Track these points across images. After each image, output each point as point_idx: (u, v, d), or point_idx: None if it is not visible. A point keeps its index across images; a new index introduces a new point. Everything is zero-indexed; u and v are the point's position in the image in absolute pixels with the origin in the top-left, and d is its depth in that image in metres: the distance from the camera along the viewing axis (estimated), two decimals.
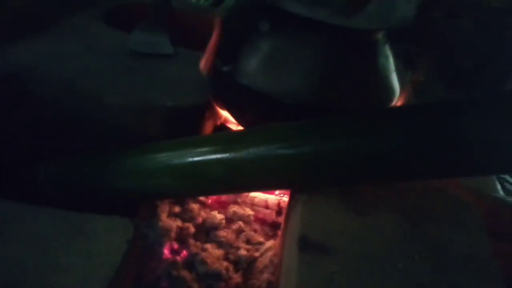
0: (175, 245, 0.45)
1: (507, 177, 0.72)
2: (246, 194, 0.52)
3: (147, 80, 0.50)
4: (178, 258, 0.44)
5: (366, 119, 0.37)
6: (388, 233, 0.35)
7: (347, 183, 0.39)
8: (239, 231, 0.49)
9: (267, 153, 0.38)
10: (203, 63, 0.46)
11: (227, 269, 0.44)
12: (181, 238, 0.46)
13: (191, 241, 0.46)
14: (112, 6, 0.69)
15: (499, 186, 0.56)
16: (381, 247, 0.33)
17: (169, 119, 0.47)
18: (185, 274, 0.42)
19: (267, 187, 0.44)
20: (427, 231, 0.36)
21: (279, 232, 0.50)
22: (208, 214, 0.49)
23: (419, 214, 0.38)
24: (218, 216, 0.49)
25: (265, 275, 0.45)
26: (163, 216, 0.45)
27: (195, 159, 0.39)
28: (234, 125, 0.53)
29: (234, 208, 0.50)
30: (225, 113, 0.51)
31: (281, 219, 0.51)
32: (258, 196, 0.52)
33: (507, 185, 0.71)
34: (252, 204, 0.52)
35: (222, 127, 0.53)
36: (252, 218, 0.50)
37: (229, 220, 0.50)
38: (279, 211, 0.52)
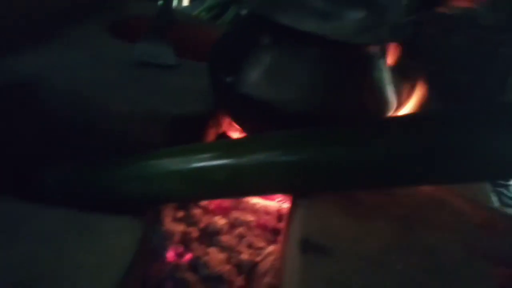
0: (179, 249, 0.46)
1: (504, 190, 0.74)
2: (247, 200, 0.53)
3: (151, 89, 0.52)
4: (182, 261, 0.45)
5: (364, 127, 0.39)
6: (386, 237, 0.37)
7: (346, 189, 0.41)
8: (241, 236, 0.50)
9: (269, 159, 0.39)
10: None
11: (230, 272, 0.45)
12: (185, 242, 0.47)
13: (195, 245, 0.47)
14: (116, 19, 0.71)
15: (495, 198, 0.57)
16: (380, 249, 0.35)
17: (174, 127, 0.48)
18: (189, 276, 0.43)
19: (268, 192, 0.45)
20: (423, 236, 0.37)
21: (280, 238, 0.51)
22: (210, 219, 0.50)
23: (416, 220, 0.39)
24: (221, 221, 0.50)
25: (267, 279, 0.46)
26: (167, 221, 0.46)
27: (200, 164, 0.40)
28: (235, 134, 0.55)
29: (236, 214, 0.52)
30: (227, 121, 0.53)
31: (281, 225, 0.52)
32: (259, 202, 0.54)
33: (504, 198, 0.73)
34: (254, 210, 0.53)
35: (224, 135, 0.55)
36: (253, 223, 0.52)
37: (231, 226, 0.51)
38: (279, 217, 0.53)
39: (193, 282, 0.43)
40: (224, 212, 0.52)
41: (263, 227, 0.53)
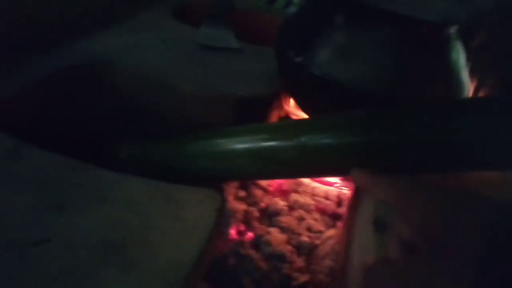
0: (241, 227, 0.47)
1: None
2: (307, 184, 0.53)
3: (216, 71, 0.53)
4: (245, 239, 0.46)
5: (435, 109, 0.38)
6: None
7: (416, 171, 0.40)
8: (300, 219, 0.50)
9: (336, 140, 0.39)
10: None
11: (291, 253, 0.45)
12: (247, 220, 0.48)
13: (255, 224, 0.48)
14: (179, 3, 0.73)
15: None
16: None
17: (238, 108, 0.49)
18: (252, 253, 0.44)
19: (335, 173, 0.45)
20: None
21: (339, 223, 0.51)
22: (271, 200, 0.51)
23: None
24: (281, 203, 0.51)
25: (327, 262, 0.46)
26: (230, 199, 0.47)
27: (268, 143, 0.40)
28: (297, 116, 0.55)
29: (295, 197, 0.52)
30: (290, 104, 0.53)
31: (341, 211, 0.52)
32: (319, 187, 0.54)
33: None
34: (313, 194, 0.53)
35: (286, 117, 0.55)
36: (312, 207, 0.52)
37: (291, 208, 0.51)
38: (339, 203, 0.53)
39: (256, 259, 0.44)
40: (284, 194, 0.53)
41: (322, 211, 0.53)
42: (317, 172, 0.43)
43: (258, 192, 0.51)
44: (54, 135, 0.45)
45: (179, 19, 0.67)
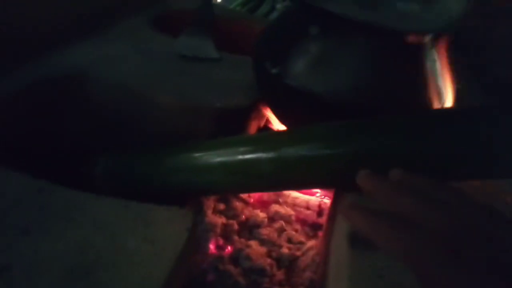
0: (220, 241, 0.46)
1: None
2: (287, 194, 0.53)
3: (195, 82, 0.53)
4: (224, 253, 0.45)
5: (411, 119, 0.38)
6: None
7: None
8: (281, 230, 0.50)
9: (313, 152, 0.38)
10: None
11: (270, 266, 0.45)
12: (226, 234, 0.47)
13: (235, 237, 0.47)
14: (158, 13, 0.72)
15: None
16: None
17: (217, 119, 0.49)
18: (231, 268, 0.43)
19: (312, 185, 0.44)
20: None
21: (320, 233, 0.51)
22: (251, 213, 0.50)
23: None
24: (261, 214, 0.50)
25: (307, 273, 0.46)
26: (209, 213, 0.47)
27: (245, 156, 0.40)
28: (276, 127, 0.55)
29: (275, 208, 0.52)
30: (269, 115, 0.52)
31: (322, 220, 0.52)
32: (300, 197, 0.53)
33: None
34: (294, 205, 0.53)
35: (266, 128, 0.55)
36: (293, 218, 0.51)
37: (271, 219, 0.51)
38: (320, 212, 0.52)
39: (235, 274, 0.43)
40: (265, 205, 0.52)
41: (303, 221, 0.52)
42: (297, 184, 0.43)
43: (238, 204, 0.51)
44: (27, 150, 0.44)
45: (159, 28, 0.66)
